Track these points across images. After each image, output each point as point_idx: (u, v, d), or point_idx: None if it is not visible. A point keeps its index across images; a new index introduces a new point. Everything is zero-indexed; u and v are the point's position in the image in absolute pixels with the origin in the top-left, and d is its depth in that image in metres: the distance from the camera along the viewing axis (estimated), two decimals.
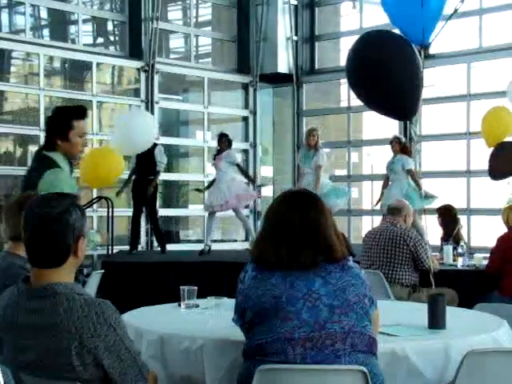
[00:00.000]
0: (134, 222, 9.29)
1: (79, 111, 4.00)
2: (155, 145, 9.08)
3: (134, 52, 10.93)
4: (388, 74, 4.29)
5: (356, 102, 11.65)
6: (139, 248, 10.56)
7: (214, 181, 9.01)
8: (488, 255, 6.22)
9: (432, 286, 3.54)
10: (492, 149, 7.14)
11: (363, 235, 6.15)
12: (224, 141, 8.86)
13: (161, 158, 8.98)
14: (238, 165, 8.96)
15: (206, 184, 9.77)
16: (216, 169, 8.91)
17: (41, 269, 2.26)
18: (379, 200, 8.83)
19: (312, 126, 9.16)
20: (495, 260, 5.92)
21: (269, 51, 11.77)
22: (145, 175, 8.94)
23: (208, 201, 8.84)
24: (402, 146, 8.64)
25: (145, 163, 8.89)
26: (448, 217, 7.29)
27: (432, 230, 8.39)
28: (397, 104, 4.52)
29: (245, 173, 9.19)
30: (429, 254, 5.62)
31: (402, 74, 4.33)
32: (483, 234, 9.88)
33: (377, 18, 11.33)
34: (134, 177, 9.11)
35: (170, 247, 9.37)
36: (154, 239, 10.13)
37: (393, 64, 4.32)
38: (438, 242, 7.35)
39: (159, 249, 9.37)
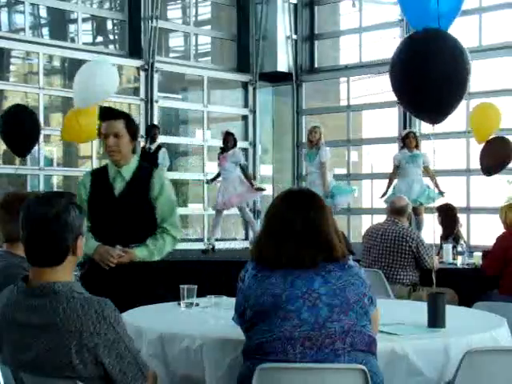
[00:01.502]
0: None
1: (100, 112, 4.04)
2: (159, 147, 9.10)
3: (134, 51, 10.92)
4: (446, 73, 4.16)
5: (356, 100, 11.72)
6: None
7: (217, 175, 9.03)
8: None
9: (433, 285, 3.54)
10: (482, 145, 7.14)
11: (363, 234, 6.15)
12: (229, 139, 8.91)
13: (163, 161, 9.00)
14: (240, 165, 8.97)
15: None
16: (220, 167, 8.91)
17: (40, 268, 2.27)
18: (385, 193, 8.78)
19: (313, 124, 9.17)
20: (496, 260, 5.90)
21: (268, 50, 11.77)
22: None
23: (217, 199, 8.89)
24: (417, 142, 8.69)
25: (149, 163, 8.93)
26: (448, 216, 7.28)
27: (429, 229, 8.40)
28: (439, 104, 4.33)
29: (245, 174, 9.19)
30: (430, 252, 5.62)
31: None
32: (483, 232, 9.87)
33: (376, 16, 11.35)
34: None
35: None
36: None
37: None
38: (432, 241, 7.35)
39: None
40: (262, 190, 9.24)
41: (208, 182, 9.71)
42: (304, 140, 11.84)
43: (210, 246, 8.86)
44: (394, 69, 4.32)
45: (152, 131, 9.23)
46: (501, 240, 5.90)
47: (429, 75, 4.11)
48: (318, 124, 8.99)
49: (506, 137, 6.98)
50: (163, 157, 8.98)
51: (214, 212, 9.36)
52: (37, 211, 2.26)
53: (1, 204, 3.17)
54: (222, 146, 9.02)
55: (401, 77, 4.27)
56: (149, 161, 8.79)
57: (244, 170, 9.20)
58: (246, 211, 9.03)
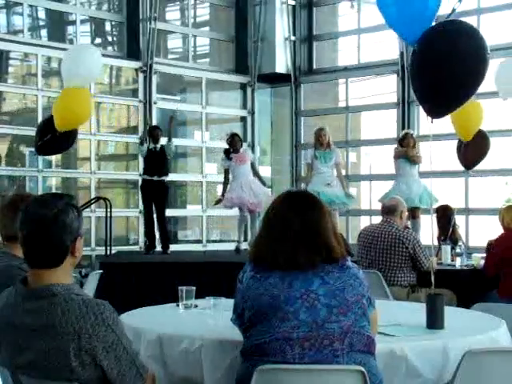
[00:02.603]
0: (148, 222, 9.33)
1: None
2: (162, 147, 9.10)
3: (132, 52, 10.92)
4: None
5: (354, 101, 11.73)
6: (138, 248, 10.57)
7: (226, 180, 9.00)
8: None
9: (432, 286, 3.54)
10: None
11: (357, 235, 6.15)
12: (237, 140, 8.97)
13: (171, 152, 9.08)
14: (253, 164, 9.06)
15: (215, 186, 9.68)
16: (235, 168, 8.88)
17: (38, 269, 2.26)
18: None
19: (319, 126, 9.21)
20: (495, 261, 5.92)
21: (267, 51, 11.77)
22: (156, 175, 8.99)
23: (234, 196, 8.82)
24: (414, 143, 8.70)
25: (154, 163, 8.96)
26: (444, 216, 7.30)
27: (427, 231, 8.40)
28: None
29: (258, 174, 9.20)
30: (427, 254, 5.62)
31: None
32: (481, 233, 9.88)
33: (375, 17, 11.36)
34: (143, 177, 9.18)
35: (169, 247, 9.36)
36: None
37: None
38: (431, 242, 7.34)
39: (160, 249, 9.32)
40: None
41: (219, 200, 9.19)
42: (303, 141, 11.85)
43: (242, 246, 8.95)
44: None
45: (154, 132, 9.25)
46: (499, 241, 5.92)
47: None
48: (323, 126, 9.08)
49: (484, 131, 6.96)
50: (171, 148, 9.04)
51: (212, 214, 9.36)
52: (35, 212, 2.25)
53: (7, 202, 3.17)
54: (228, 147, 9.00)
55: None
56: (156, 160, 8.87)
57: (256, 169, 9.24)
58: (256, 215, 9.06)
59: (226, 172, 9.04)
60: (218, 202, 9.13)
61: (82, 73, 6.62)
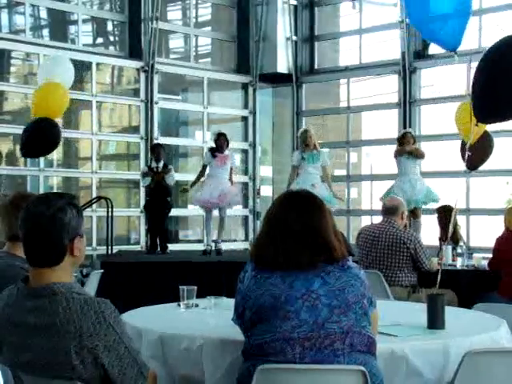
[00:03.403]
0: (151, 227, 9.43)
1: None
2: (165, 165, 9.07)
3: (134, 52, 10.93)
4: None
5: (355, 102, 11.73)
6: (139, 248, 10.58)
7: (201, 174, 8.94)
8: (487, 255, 6.22)
9: (435, 286, 3.55)
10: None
11: (356, 234, 6.15)
12: (223, 140, 8.86)
13: (172, 182, 9.08)
14: (232, 168, 8.96)
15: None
16: (215, 167, 8.81)
17: (39, 268, 2.26)
18: None
19: (304, 127, 9.18)
20: (495, 257, 5.98)
21: (268, 51, 11.77)
22: (159, 198, 9.04)
23: (205, 197, 8.77)
24: (414, 142, 8.70)
25: (157, 185, 8.98)
26: (445, 217, 7.29)
27: (429, 231, 8.40)
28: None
29: (231, 179, 9.08)
30: (427, 254, 5.63)
31: None
32: (483, 234, 9.88)
33: (376, 17, 11.36)
34: (146, 199, 9.28)
35: (169, 247, 9.37)
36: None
37: None
38: (432, 243, 7.36)
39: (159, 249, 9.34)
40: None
41: (186, 190, 9.29)
42: None
43: (209, 248, 8.87)
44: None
45: (156, 150, 9.20)
46: (499, 240, 5.96)
47: None
48: (307, 127, 9.06)
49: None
50: (172, 178, 9.03)
51: (213, 213, 9.30)
52: (35, 210, 2.26)
53: (10, 201, 3.17)
54: (214, 146, 8.91)
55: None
56: (157, 179, 8.89)
57: (232, 172, 9.09)
58: (225, 210, 9.00)
59: (204, 167, 8.97)
60: (185, 190, 9.24)
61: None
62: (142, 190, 10.05)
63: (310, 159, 8.78)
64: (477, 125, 4.36)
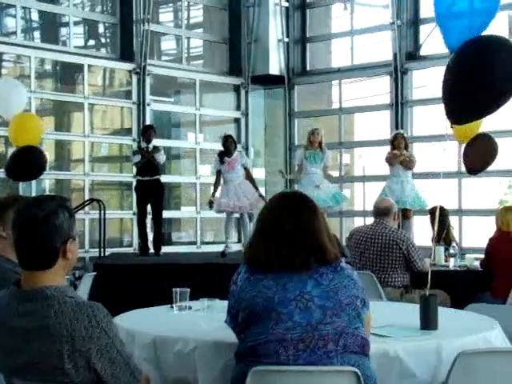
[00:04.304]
0: (140, 224, 9.34)
1: None
2: (155, 147, 9.09)
3: (126, 54, 10.91)
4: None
5: (348, 103, 11.74)
6: (132, 250, 10.55)
7: (218, 181, 8.96)
8: (480, 256, 6.25)
9: (427, 286, 3.55)
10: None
11: (347, 235, 6.15)
12: (231, 142, 8.93)
13: (162, 161, 9.09)
14: (247, 168, 8.98)
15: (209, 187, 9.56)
16: (227, 171, 8.82)
17: (31, 271, 2.26)
18: None
19: (315, 126, 9.22)
20: (487, 258, 6.01)
21: (260, 53, 11.77)
22: (147, 176, 8.99)
23: (223, 201, 8.79)
24: (406, 143, 8.72)
25: (145, 165, 8.96)
26: (439, 218, 7.30)
27: (421, 232, 8.42)
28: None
29: (252, 178, 9.11)
30: (420, 255, 5.63)
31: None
32: (475, 234, 9.90)
33: (368, 19, 11.38)
34: (137, 178, 9.19)
35: (162, 249, 9.35)
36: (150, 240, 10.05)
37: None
38: (424, 243, 7.37)
39: (152, 250, 9.32)
40: (264, 199, 9.08)
41: (211, 203, 9.07)
42: (296, 142, 11.85)
43: (227, 250, 8.90)
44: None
45: (147, 131, 9.25)
46: (492, 241, 5.99)
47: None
48: (318, 127, 9.09)
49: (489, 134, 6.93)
50: (162, 157, 9.05)
51: (206, 215, 9.34)
52: (26, 213, 2.25)
53: (1, 204, 3.16)
54: (222, 149, 8.96)
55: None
56: (147, 160, 8.88)
57: (250, 173, 9.15)
58: (245, 216, 9.03)
59: (219, 173, 9.00)
60: (211, 203, 9.07)
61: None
62: (134, 194, 10.00)
63: (312, 159, 8.81)
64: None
